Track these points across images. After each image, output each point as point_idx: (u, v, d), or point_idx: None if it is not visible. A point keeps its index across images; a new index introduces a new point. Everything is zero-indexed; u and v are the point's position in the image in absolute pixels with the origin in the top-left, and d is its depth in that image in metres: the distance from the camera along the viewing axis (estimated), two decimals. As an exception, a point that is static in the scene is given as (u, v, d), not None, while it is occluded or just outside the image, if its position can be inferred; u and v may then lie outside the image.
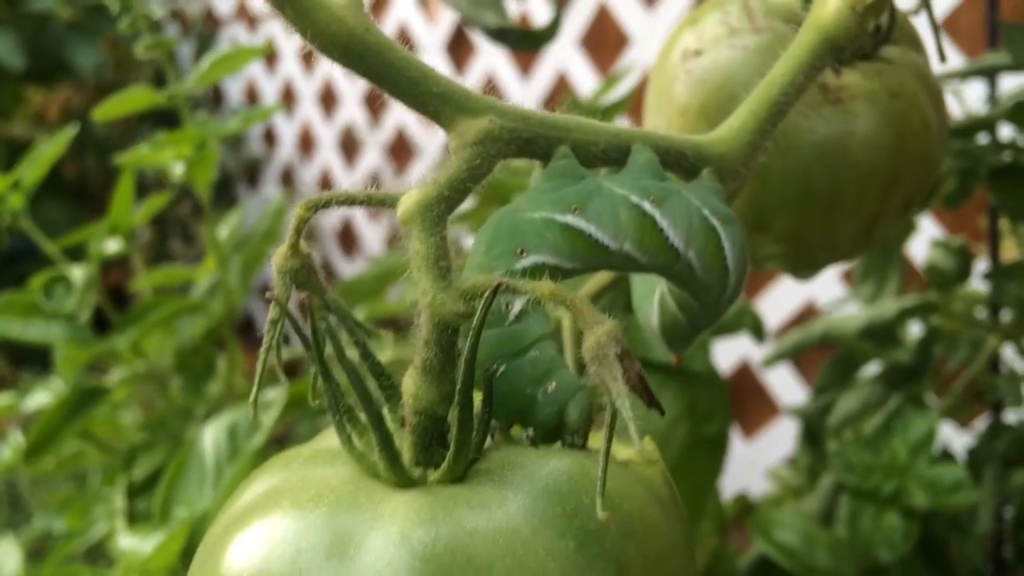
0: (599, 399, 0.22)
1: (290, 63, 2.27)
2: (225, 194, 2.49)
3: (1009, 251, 0.74)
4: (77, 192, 2.33)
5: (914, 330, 0.75)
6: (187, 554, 0.54)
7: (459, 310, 0.23)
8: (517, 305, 0.24)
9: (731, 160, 0.27)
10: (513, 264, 0.25)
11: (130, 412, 0.89)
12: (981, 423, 0.78)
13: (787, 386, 1.25)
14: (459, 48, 1.82)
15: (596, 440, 0.25)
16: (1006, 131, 0.61)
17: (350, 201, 0.24)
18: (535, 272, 0.25)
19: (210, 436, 0.56)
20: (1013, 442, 0.68)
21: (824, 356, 0.78)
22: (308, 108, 2.25)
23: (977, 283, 0.71)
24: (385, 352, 0.48)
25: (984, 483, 0.66)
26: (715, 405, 0.62)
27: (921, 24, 0.43)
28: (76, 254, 0.82)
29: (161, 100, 0.72)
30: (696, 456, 0.62)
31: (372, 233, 2.08)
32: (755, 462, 1.24)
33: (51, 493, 1.03)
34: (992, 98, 0.65)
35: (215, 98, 2.61)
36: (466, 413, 0.23)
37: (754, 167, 0.28)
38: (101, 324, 0.79)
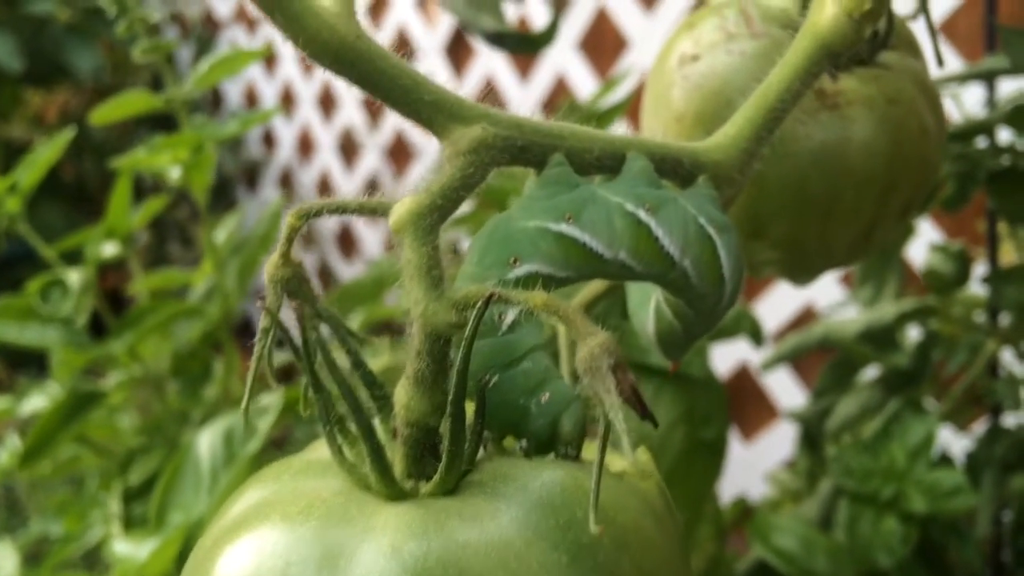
0: (593, 410, 0.22)
1: (289, 66, 2.27)
2: (224, 197, 2.49)
3: (1008, 255, 0.74)
4: (75, 195, 2.33)
5: (912, 334, 0.75)
6: (182, 560, 0.54)
7: (451, 320, 0.22)
8: (510, 315, 0.24)
9: (727, 167, 0.27)
10: (506, 273, 0.25)
11: (127, 416, 0.89)
12: (979, 427, 0.78)
13: (786, 389, 1.24)
14: (458, 51, 1.81)
15: (590, 451, 0.24)
16: (1004, 135, 0.61)
17: (342, 209, 0.24)
18: (529, 281, 0.24)
19: (206, 441, 0.56)
20: (1012, 446, 0.68)
21: (823, 359, 0.78)
22: (307, 111, 2.25)
23: (976, 287, 0.71)
24: (381, 358, 0.48)
25: (983, 487, 0.66)
26: (713, 409, 0.62)
27: (919, 28, 0.43)
28: (73, 258, 0.82)
29: (158, 103, 0.72)
30: (694, 460, 0.62)
31: (371, 236, 2.08)
32: (754, 465, 1.24)
33: (49, 497, 1.03)
34: (990, 102, 0.65)
35: (214, 101, 2.61)
36: (458, 424, 0.23)
37: (750, 174, 0.28)
38: (98, 328, 0.79)
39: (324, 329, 0.25)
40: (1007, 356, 0.70)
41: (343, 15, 0.23)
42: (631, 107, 0.74)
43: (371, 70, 0.23)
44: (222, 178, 2.49)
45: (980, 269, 0.71)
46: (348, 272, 2.21)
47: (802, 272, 0.44)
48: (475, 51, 1.75)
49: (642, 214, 0.26)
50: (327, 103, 2.20)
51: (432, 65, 1.81)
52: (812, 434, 0.79)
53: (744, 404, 1.32)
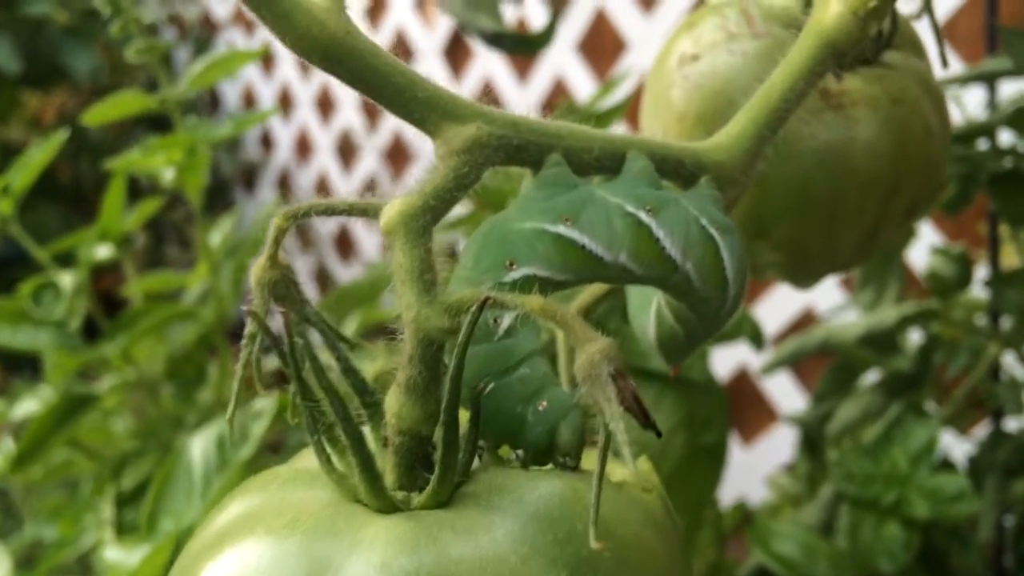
0: (592, 418, 0.21)
1: (287, 67, 2.26)
2: (221, 199, 2.49)
3: (1009, 258, 0.73)
4: (72, 197, 2.32)
5: (914, 337, 0.74)
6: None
7: (444, 325, 0.21)
8: (506, 320, 0.23)
9: (730, 168, 0.26)
10: (502, 277, 0.24)
11: (121, 420, 0.88)
12: (980, 431, 0.78)
13: (786, 393, 1.24)
14: (456, 53, 1.81)
15: (590, 461, 0.23)
16: (1006, 137, 0.61)
17: (332, 210, 0.23)
18: (525, 285, 0.24)
19: (198, 446, 0.55)
20: (1014, 451, 0.67)
21: (823, 363, 0.78)
22: (305, 112, 2.24)
23: (977, 290, 0.70)
24: (376, 362, 0.47)
25: (985, 492, 0.66)
26: (714, 414, 0.62)
27: (921, 29, 0.43)
28: (68, 260, 0.81)
29: (152, 104, 0.71)
30: (695, 465, 0.61)
31: (369, 239, 2.08)
32: (753, 469, 1.23)
33: (43, 501, 1.02)
34: (992, 104, 0.64)
35: (212, 102, 2.60)
36: (452, 433, 0.22)
37: (754, 175, 0.27)
38: (92, 331, 0.79)
39: (318, 335, 0.24)
40: (1009, 360, 0.69)
41: (333, 11, 0.22)
42: (630, 109, 0.74)
43: (362, 67, 0.23)
44: (220, 180, 2.49)
45: (981, 272, 0.71)
46: (346, 275, 2.20)
47: (805, 275, 0.44)
48: (473, 53, 1.74)
49: (643, 215, 0.25)
50: (325, 105, 2.19)
51: (430, 67, 1.81)
52: (813, 438, 0.78)
53: (744, 408, 1.32)
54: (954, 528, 0.64)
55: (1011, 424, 0.70)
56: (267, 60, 2.33)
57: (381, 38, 1.90)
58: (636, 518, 0.22)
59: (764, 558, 0.64)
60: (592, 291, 0.34)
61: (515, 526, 0.21)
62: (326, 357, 0.24)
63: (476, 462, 0.24)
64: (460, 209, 0.69)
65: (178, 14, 2.63)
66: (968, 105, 0.67)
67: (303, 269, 2.31)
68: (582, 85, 1.52)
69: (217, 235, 0.88)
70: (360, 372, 0.24)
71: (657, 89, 0.42)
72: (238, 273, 0.83)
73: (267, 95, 2.36)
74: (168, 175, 0.71)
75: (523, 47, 0.64)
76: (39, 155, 0.77)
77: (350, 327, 0.84)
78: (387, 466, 0.23)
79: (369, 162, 2.06)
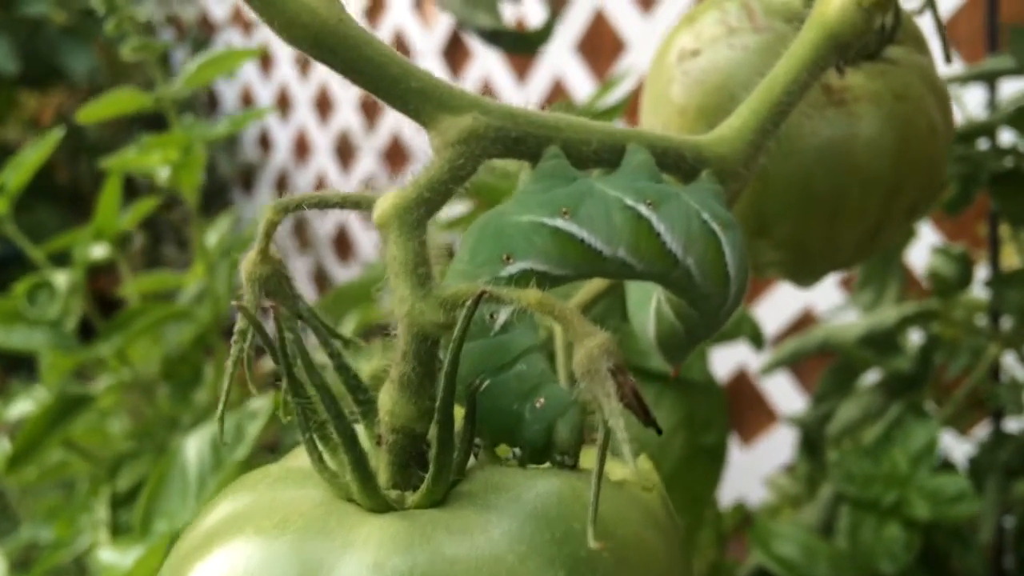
0: (591, 415, 0.20)
1: (285, 68, 2.26)
2: (220, 199, 2.48)
3: (1009, 258, 0.73)
4: (70, 197, 2.32)
5: (913, 338, 0.74)
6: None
7: (439, 320, 0.21)
8: (502, 315, 0.22)
9: (732, 161, 0.26)
10: (499, 271, 0.23)
11: (118, 421, 0.88)
12: (980, 432, 0.78)
13: (785, 394, 1.24)
14: (455, 53, 1.81)
15: (588, 459, 0.23)
16: (1007, 136, 0.61)
17: (324, 204, 0.23)
18: (523, 279, 0.23)
19: (193, 446, 0.55)
20: (1015, 451, 0.67)
21: (822, 364, 0.77)
22: (303, 113, 2.24)
23: (977, 290, 0.70)
24: (372, 361, 0.46)
25: (986, 493, 0.65)
26: (713, 414, 0.62)
27: (921, 26, 0.42)
28: (64, 260, 0.81)
29: (147, 102, 0.71)
30: (694, 466, 0.61)
31: (367, 239, 2.07)
32: (752, 470, 1.23)
33: (40, 502, 1.01)
34: (992, 103, 0.64)
35: (210, 103, 2.60)
36: (446, 431, 0.21)
37: (756, 169, 0.26)
38: (89, 332, 0.78)
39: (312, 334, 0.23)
40: (1009, 360, 0.69)
41: (326, -2, 0.22)
42: (629, 108, 0.73)
43: (355, 56, 0.22)
44: (218, 180, 2.48)
45: (981, 273, 0.70)
46: (344, 275, 2.19)
47: (806, 273, 0.43)
48: (472, 53, 1.74)
49: (643, 209, 0.24)
50: (323, 105, 2.19)
51: (429, 67, 1.80)
52: (812, 439, 0.78)
53: (743, 409, 1.31)
54: (955, 529, 0.63)
55: (1011, 425, 0.70)
56: (265, 61, 2.33)
57: (380, 39, 1.89)
58: (636, 518, 0.22)
59: (764, 559, 0.63)
60: (591, 288, 0.33)
61: (512, 525, 0.20)
62: (320, 357, 0.24)
63: (472, 460, 0.23)
64: (459, 208, 0.69)
65: (176, 15, 2.63)
66: (968, 104, 0.66)
67: (301, 270, 2.31)
68: (581, 85, 1.52)
69: (214, 235, 0.87)
70: (353, 369, 0.23)
71: (657, 85, 0.41)
72: (235, 273, 0.83)
73: (265, 96, 2.36)
74: (163, 174, 0.71)
75: (521, 45, 0.63)
76: (34, 154, 0.77)
77: (347, 327, 0.84)
78: (380, 465, 0.23)
79: (367, 163, 2.06)
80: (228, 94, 2.53)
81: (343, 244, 2.21)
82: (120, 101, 0.71)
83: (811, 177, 0.38)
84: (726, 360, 1.29)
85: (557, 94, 1.57)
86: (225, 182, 2.53)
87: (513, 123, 0.23)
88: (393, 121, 1.95)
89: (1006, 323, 0.68)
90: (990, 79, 0.62)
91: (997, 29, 0.64)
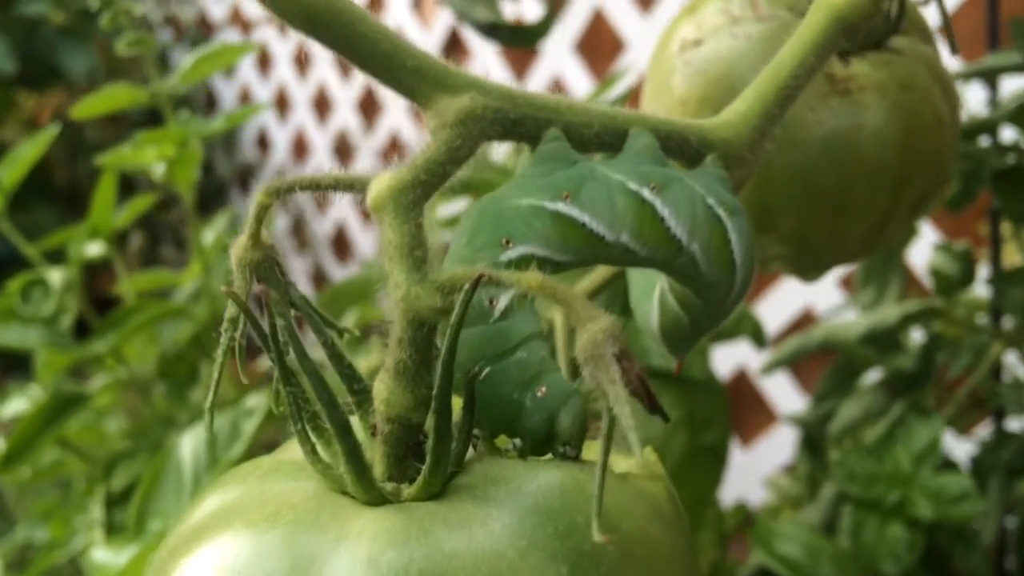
0: (594, 404, 0.19)
1: (284, 68, 2.25)
2: (218, 200, 2.47)
3: (1010, 256, 0.73)
4: (68, 197, 2.31)
5: (915, 337, 0.73)
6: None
7: (436, 305, 0.20)
8: (502, 300, 0.21)
9: (737, 146, 0.25)
10: (498, 256, 0.22)
11: (114, 420, 0.87)
12: (981, 431, 0.77)
13: (784, 393, 1.23)
14: (454, 53, 1.80)
15: (591, 450, 0.22)
16: (1008, 133, 0.60)
17: (316, 186, 0.22)
18: (522, 265, 0.22)
19: (188, 445, 0.54)
20: (1018, 451, 0.66)
21: (821, 363, 0.77)
22: (302, 113, 2.24)
23: (978, 289, 0.70)
24: (371, 356, 0.46)
25: (988, 493, 0.65)
26: (715, 412, 0.61)
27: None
28: (61, 259, 0.80)
29: (143, 98, 0.70)
30: (695, 465, 0.60)
31: (366, 239, 2.06)
32: (752, 470, 1.23)
33: (37, 502, 1.01)
34: (993, 101, 0.64)
35: (209, 103, 2.59)
36: (444, 421, 0.20)
37: (762, 154, 0.26)
38: (86, 332, 0.77)
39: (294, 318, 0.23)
40: (1011, 359, 0.68)
41: (318, -27, 0.21)
42: (628, 105, 0.73)
43: (348, 33, 0.21)
44: (216, 181, 2.48)
45: (981, 272, 0.70)
46: (342, 276, 2.19)
47: (811, 268, 0.42)
48: (471, 53, 1.73)
49: (646, 193, 0.24)
50: (322, 106, 2.18)
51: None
52: (814, 439, 0.78)
53: (742, 409, 1.31)
54: (958, 529, 0.63)
55: (1013, 424, 0.70)
56: (264, 61, 2.33)
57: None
58: (641, 511, 0.21)
59: (767, 559, 0.63)
60: (593, 277, 0.32)
61: (512, 519, 0.19)
62: (317, 355, 0.23)
63: (470, 452, 0.23)
64: (459, 206, 0.68)
65: (174, 15, 2.62)
66: (970, 102, 0.66)
67: (299, 270, 2.30)
68: (580, 85, 1.51)
69: (211, 233, 0.86)
70: (348, 358, 0.22)
71: (658, 76, 0.41)
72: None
73: (264, 96, 2.35)
74: (159, 170, 0.70)
75: (520, 39, 0.62)
76: (29, 150, 0.76)
77: (345, 325, 0.83)
78: (376, 456, 0.22)
79: (366, 163, 2.05)
80: (226, 94, 2.52)
81: (341, 244, 2.20)
82: (116, 97, 0.70)
83: (815, 169, 0.37)
84: (726, 360, 1.28)
85: (556, 94, 1.57)
86: (223, 182, 2.52)
87: (512, 104, 0.22)
88: (392, 121, 1.94)
89: (1007, 322, 0.68)
90: (991, 76, 0.61)
91: (998, 26, 0.64)
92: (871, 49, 0.38)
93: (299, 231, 2.31)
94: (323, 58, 2.10)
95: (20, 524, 1.00)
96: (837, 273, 0.97)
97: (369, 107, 2.03)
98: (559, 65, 1.54)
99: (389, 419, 0.21)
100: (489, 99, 0.22)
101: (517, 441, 0.22)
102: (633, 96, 0.70)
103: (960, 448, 0.77)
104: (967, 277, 0.69)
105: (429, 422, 0.21)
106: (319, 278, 2.26)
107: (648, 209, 0.24)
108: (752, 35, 0.38)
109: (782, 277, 1.20)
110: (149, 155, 0.70)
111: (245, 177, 2.53)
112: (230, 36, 2.43)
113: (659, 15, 1.34)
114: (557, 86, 1.57)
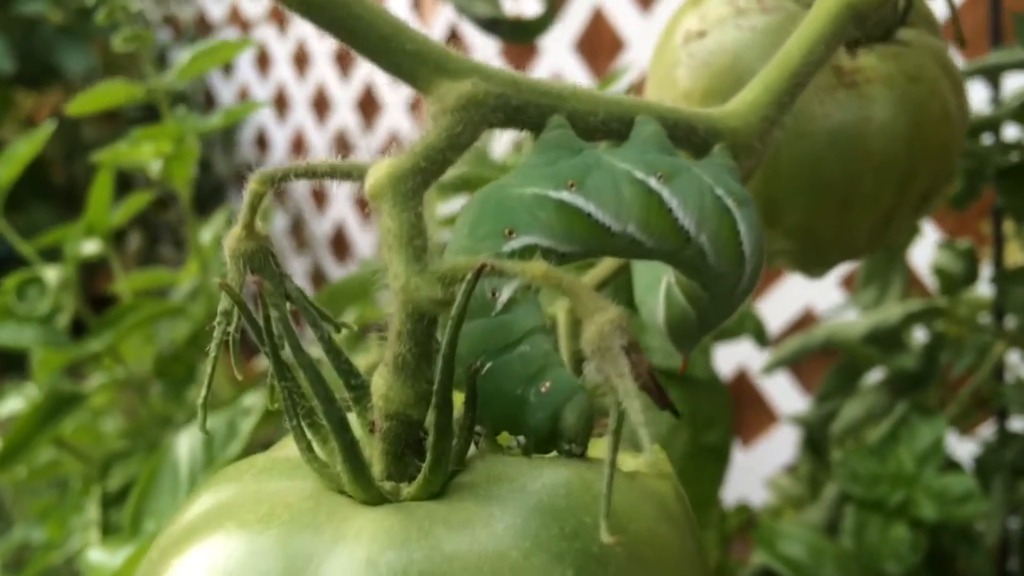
0: (600, 400, 0.19)
1: (283, 67, 2.25)
2: (216, 200, 2.47)
3: (1013, 255, 0.72)
4: (66, 198, 2.31)
5: (918, 336, 0.73)
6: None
7: (437, 297, 0.19)
8: (505, 292, 0.21)
9: (746, 135, 0.24)
10: (500, 246, 0.22)
11: (111, 420, 0.86)
12: (983, 431, 0.77)
13: (785, 394, 1.23)
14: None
15: (597, 448, 0.21)
16: (1011, 131, 0.60)
17: (312, 174, 0.21)
18: (525, 256, 0.21)
19: (185, 444, 0.53)
20: (1021, 451, 0.66)
21: (822, 363, 0.76)
22: (301, 113, 2.23)
23: (981, 288, 0.69)
24: (369, 354, 0.45)
25: (992, 493, 0.64)
26: (717, 412, 0.60)
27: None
28: (58, 257, 0.80)
29: (139, 94, 0.69)
30: (697, 465, 0.60)
31: (365, 239, 2.06)
32: (752, 471, 1.22)
33: (35, 502, 1.00)
34: (996, 99, 0.63)
35: (207, 103, 2.59)
36: (445, 417, 0.20)
37: (771, 144, 0.25)
38: (83, 331, 0.77)
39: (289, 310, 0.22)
40: (1014, 358, 0.68)
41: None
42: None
43: (344, 15, 0.20)
44: (215, 181, 2.47)
45: (984, 271, 0.70)
46: (341, 276, 2.18)
47: (816, 264, 0.42)
48: (470, 52, 1.73)
49: (653, 183, 0.23)
50: (320, 105, 2.18)
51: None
52: (816, 439, 0.77)
53: (743, 409, 1.30)
54: (962, 530, 0.62)
55: (1016, 424, 0.69)
56: (263, 60, 2.32)
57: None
58: (650, 511, 0.20)
59: (770, 559, 0.62)
60: (597, 272, 0.32)
61: (516, 519, 0.19)
62: (314, 352, 0.22)
63: (472, 449, 0.22)
64: (458, 205, 0.67)
65: (173, 15, 2.62)
66: (972, 100, 0.65)
67: (298, 270, 2.30)
68: (580, 84, 1.51)
69: (208, 232, 0.86)
70: (345, 353, 0.21)
71: (661, 69, 0.40)
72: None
73: (262, 95, 2.35)
74: (155, 167, 0.70)
75: (520, 34, 0.62)
76: (26, 147, 0.75)
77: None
78: (374, 454, 0.21)
79: (365, 162, 2.04)
80: (225, 94, 2.51)
81: (340, 244, 2.20)
82: (112, 93, 0.70)
83: (822, 162, 0.37)
84: (726, 361, 1.28)
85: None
86: (222, 182, 2.52)
87: (515, 90, 0.22)
88: (391, 121, 1.94)
89: (1010, 322, 0.67)
90: (993, 74, 0.61)
91: (1000, 24, 0.64)
92: (878, 41, 0.38)
93: (298, 231, 2.31)
94: (322, 58, 2.09)
95: (17, 524, 1.00)
96: (838, 272, 0.97)
97: (368, 107, 2.03)
98: (559, 64, 1.54)
99: (388, 415, 0.20)
100: (491, 85, 0.21)
101: (520, 438, 0.22)
102: (634, 94, 0.69)
103: (962, 448, 0.77)
104: (971, 275, 0.69)
105: (429, 418, 0.20)
106: (318, 278, 2.26)
107: (655, 199, 0.23)
108: (757, 27, 0.37)
109: (783, 276, 1.19)
110: (146, 152, 0.70)
111: (244, 177, 2.52)
112: (229, 35, 2.43)
113: (659, 14, 1.34)
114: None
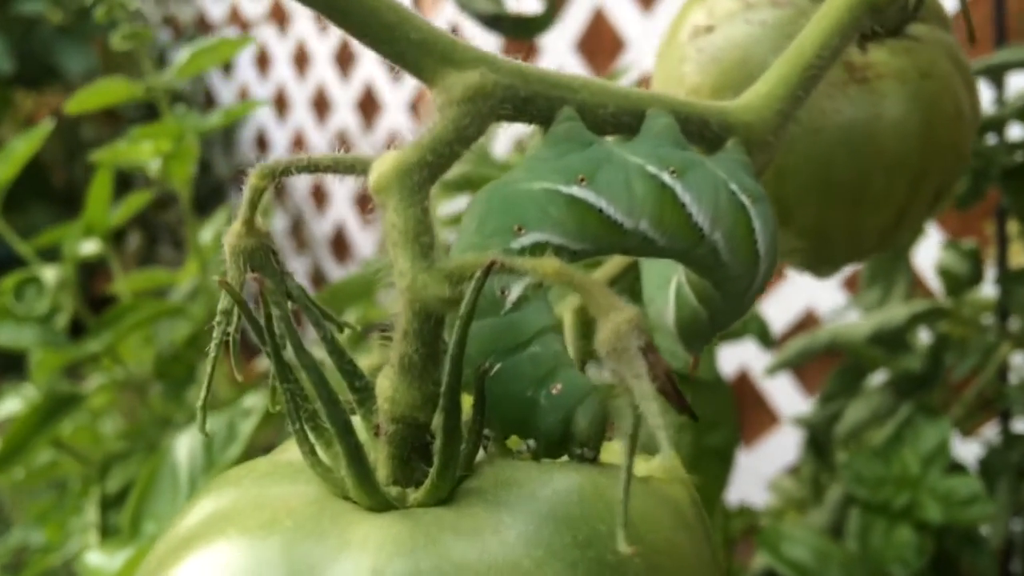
0: (614, 402, 0.18)
1: (283, 68, 2.24)
2: (216, 200, 2.46)
3: (1016, 256, 0.72)
4: (65, 199, 2.30)
5: (922, 337, 0.73)
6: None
7: (444, 295, 0.18)
8: (515, 290, 0.20)
9: (760, 129, 0.24)
10: (509, 243, 0.21)
11: (111, 421, 0.86)
12: (985, 432, 0.76)
13: (787, 395, 1.22)
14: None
15: (609, 452, 0.21)
16: (1015, 131, 0.60)
17: (314, 167, 0.21)
18: (535, 253, 0.21)
19: (184, 446, 0.53)
20: (1026, 452, 0.65)
21: (824, 364, 0.76)
22: (301, 113, 2.23)
23: (984, 289, 0.69)
24: (371, 355, 0.44)
25: (997, 495, 0.64)
26: (721, 414, 0.60)
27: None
28: (57, 257, 0.79)
29: (139, 92, 0.69)
30: (701, 467, 0.59)
31: (365, 240, 2.05)
32: (754, 472, 1.22)
33: (34, 504, 1.00)
34: (1000, 99, 0.63)
35: (207, 103, 2.58)
36: (453, 420, 0.19)
37: (785, 138, 0.24)
38: (82, 332, 0.76)
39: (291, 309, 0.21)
40: (1018, 360, 0.68)
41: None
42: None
43: (346, 2, 0.20)
44: (214, 181, 2.47)
45: (988, 272, 0.69)
46: (341, 276, 2.18)
47: (826, 263, 0.41)
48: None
49: (666, 177, 0.22)
50: (320, 106, 2.17)
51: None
52: (819, 440, 0.77)
53: (745, 410, 1.30)
54: (967, 532, 0.62)
55: (1019, 425, 0.69)
56: (262, 60, 2.32)
57: None
58: (667, 519, 0.19)
59: (774, 562, 0.62)
60: (606, 270, 0.31)
61: (527, 526, 0.18)
62: (317, 353, 0.21)
63: (481, 453, 0.21)
64: (462, 203, 0.67)
65: (173, 15, 2.61)
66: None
67: (299, 271, 2.29)
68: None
69: (208, 232, 0.85)
70: (348, 353, 0.21)
71: (667, 65, 0.39)
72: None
73: (262, 95, 2.34)
74: (154, 166, 0.69)
75: (522, 30, 0.61)
76: (24, 146, 0.75)
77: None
78: (379, 458, 0.20)
79: (365, 162, 2.04)
80: (225, 94, 2.51)
81: (340, 245, 2.19)
82: (111, 90, 0.69)
83: (833, 160, 0.36)
84: (728, 361, 1.27)
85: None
86: (222, 183, 2.51)
87: (524, 82, 0.21)
88: (391, 121, 1.94)
89: (1014, 323, 0.67)
90: (997, 74, 0.61)
91: (1004, 23, 0.63)
92: (889, 36, 0.37)
93: (298, 232, 2.30)
94: (322, 58, 2.09)
95: (15, 526, 0.99)
96: (840, 273, 0.96)
97: (368, 107, 2.02)
98: (559, 64, 1.53)
99: (394, 418, 0.19)
100: (499, 75, 0.20)
101: (531, 442, 0.21)
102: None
103: (964, 449, 0.77)
104: (976, 276, 0.68)
105: (437, 421, 0.19)
106: (318, 279, 2.25)
107: (668, 194, 0.22)
108: (767, 21, 0.36)
109: (785, 277, 1.19)
110: (145, 151, 0.69)
111: (243, 177, 2.52)
112: (229, 35, 2.42)
113: (659, 14, 1.33)
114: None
